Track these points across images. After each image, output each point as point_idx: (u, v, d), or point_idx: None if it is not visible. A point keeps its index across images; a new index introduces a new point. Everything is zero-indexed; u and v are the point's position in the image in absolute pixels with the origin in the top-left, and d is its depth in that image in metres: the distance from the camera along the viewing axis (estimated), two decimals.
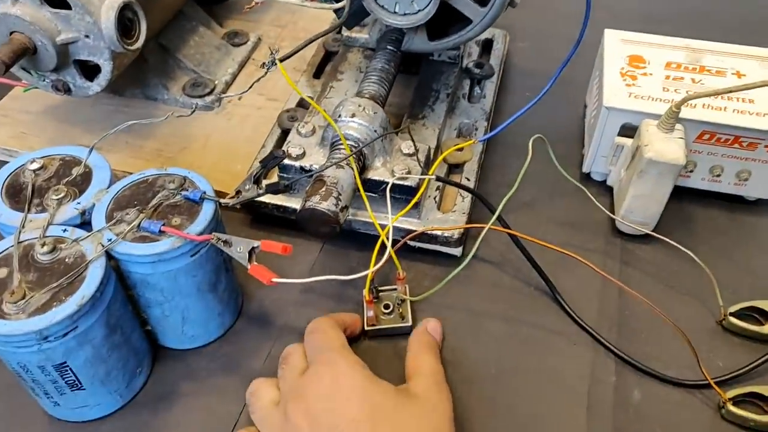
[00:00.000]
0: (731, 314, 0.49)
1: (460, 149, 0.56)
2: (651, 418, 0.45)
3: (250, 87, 0.45)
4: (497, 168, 0.60)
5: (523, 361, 0.47)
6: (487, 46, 0.69)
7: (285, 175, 0.51)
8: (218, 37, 0.67)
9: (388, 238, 0.44)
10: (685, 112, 0.52)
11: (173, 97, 0.61)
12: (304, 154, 0.50)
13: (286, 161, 0.50)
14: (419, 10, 0.46)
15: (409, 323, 0.48)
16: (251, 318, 0.49)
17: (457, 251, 0.52)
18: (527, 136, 0.56)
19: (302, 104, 0.61)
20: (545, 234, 0.55)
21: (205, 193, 0.42)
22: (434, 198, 0.53)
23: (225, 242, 0.39)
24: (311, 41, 0.43)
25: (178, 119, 0.60)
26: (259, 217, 0.55)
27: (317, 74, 0.65)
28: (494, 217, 0.49)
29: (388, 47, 0.55)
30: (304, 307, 0.50)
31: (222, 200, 0.42)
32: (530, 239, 0.50)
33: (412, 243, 0.52)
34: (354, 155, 0.46)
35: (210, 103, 0.61)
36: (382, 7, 0.46)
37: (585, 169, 0.59)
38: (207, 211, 0.41)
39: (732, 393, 0.45)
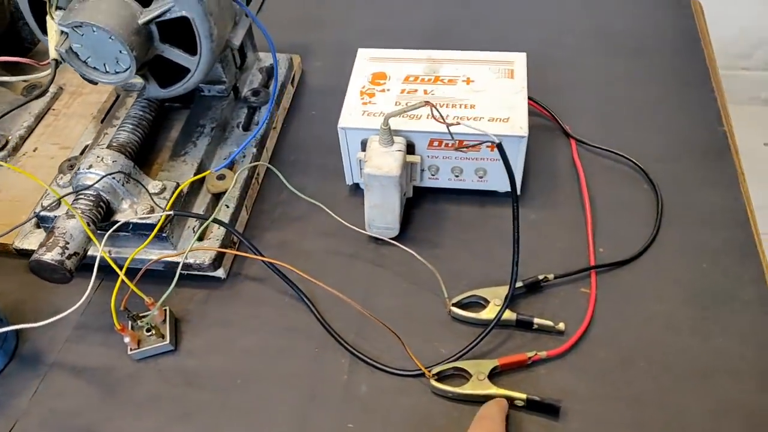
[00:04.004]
0: (454, 304, 0.55)
1: (221, 178, 0.61)
2: (374, 406, 0.50)
3: None
4: (276, 190, 0.66)
5: (269, 369, 0.53)
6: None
7: (46, 225, 0.55)
8: (15, 92, 0.71)
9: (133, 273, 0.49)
10: (414, 124, 0.57)
11: None
12: (59, 205, 0.55)
13: (43, 212, 0.55)
14: (126, 69, 0.50)
15: (166, 341, 0.53)
16: (24, 359, 0.54)
17: (218, 273, 0.58)
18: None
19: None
20: (308, 244, 0.60)
21: None
22: (193, 229, 0.58)
23: None
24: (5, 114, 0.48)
25: None
26: None
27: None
28: (206, 224, 0.54)
29: None
30: (76, 342, 0.55)
31: None
32: (268, 260, 0.56)
33: (182, 271, 0.57)
34: (90, 204, 0.51)
35: (2, 158, 0.66)
36: (94, 68, 0.51)
37: (348, 182, 0.64)
38: None
39: (437, 369, 0.50)
